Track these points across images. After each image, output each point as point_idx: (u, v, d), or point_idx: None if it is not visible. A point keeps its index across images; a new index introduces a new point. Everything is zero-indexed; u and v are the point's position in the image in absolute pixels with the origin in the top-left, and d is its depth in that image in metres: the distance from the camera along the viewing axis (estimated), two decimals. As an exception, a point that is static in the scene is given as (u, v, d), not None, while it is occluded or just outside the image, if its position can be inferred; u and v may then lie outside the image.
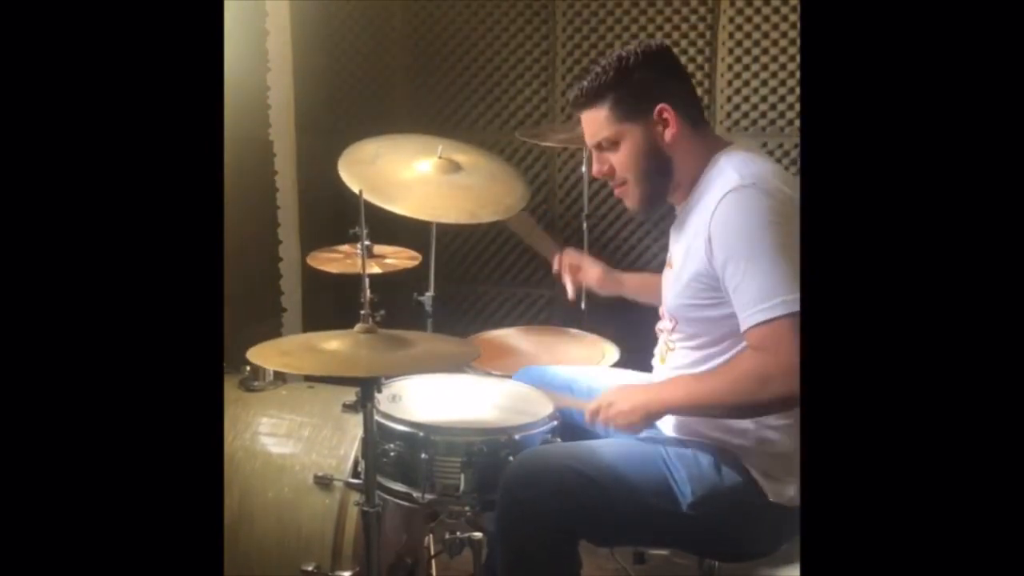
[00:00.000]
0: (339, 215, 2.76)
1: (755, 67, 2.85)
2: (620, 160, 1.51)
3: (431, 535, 2.08)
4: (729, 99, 2.87)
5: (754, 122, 2.88)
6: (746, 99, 2.87)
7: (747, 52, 2.85)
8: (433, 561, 2.07)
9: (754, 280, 1.31)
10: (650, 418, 1.46)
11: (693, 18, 2.88)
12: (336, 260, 2.11)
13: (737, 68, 2.86)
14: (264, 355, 1.45)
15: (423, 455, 1.51)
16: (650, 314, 1.70)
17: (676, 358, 1.55)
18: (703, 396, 1.41)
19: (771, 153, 2.82)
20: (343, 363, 1.44)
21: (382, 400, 1.60)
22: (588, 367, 1.98)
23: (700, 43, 2.89)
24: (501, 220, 2.00)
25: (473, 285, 3.23)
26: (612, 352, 2.14)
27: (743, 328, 1.34)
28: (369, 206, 1.69)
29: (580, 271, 1.93)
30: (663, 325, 1.58)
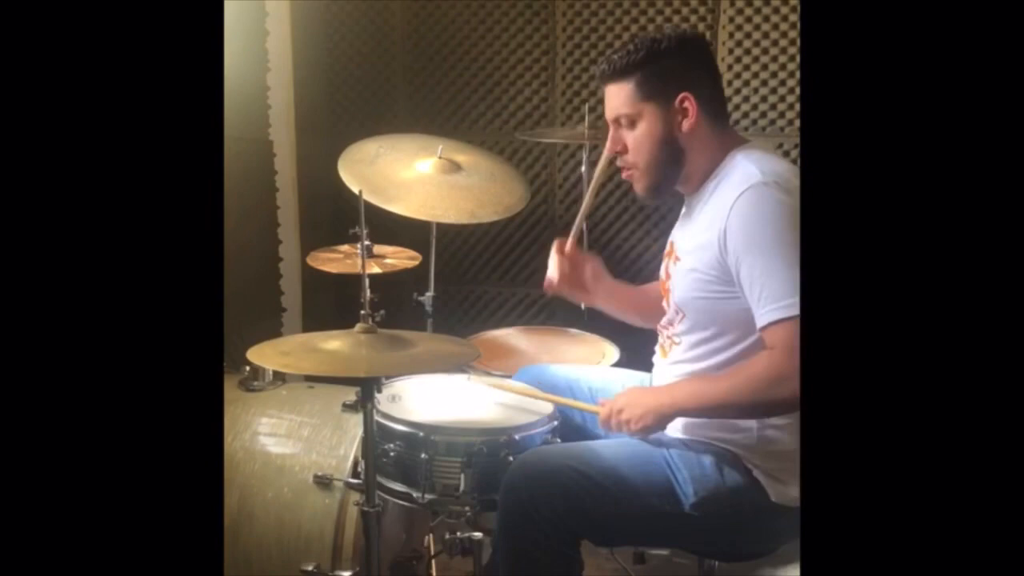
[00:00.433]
0: (339, 215, 2.78)
1: (755, 67, 2.85)
2: (635, 140, 1.51)
3: (431, 535, 2.08)
4: (729, 99, 2.87)
5: (754, 122, 2.88)
6: (746, 99, 2.87)
7: (747, 52, 2.85)
8: (433, 561, 2.07)
9: (773, 277, 1.31)
10: (662, 421, 1.46)
11: (693, 18, 2.88)
12: (336, 260, 2.11)
13: (737, 68, 2.86)
14: (264, 355, 1.45)
15: (423, 455, 1.51)
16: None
17: (679, 352, 1.54)
18: (716, 397, 1.40)
19: (771, 153, 2.82)
20: (343, 363, 1.44)
21: (382, 400, 1.60)
22: (589, 366, 1.98)
23: (700, 43, 2.89)
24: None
25: (473, 285, 3.23)
26: (612, 352, 2.14)
27: (759, 324, 1.33)
28: (369, 206, 1.69)
29: (573, 260, 1.77)
30: (668, 319, 1.57)
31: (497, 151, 3.03)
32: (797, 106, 2.82)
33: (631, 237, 3.06)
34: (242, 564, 1.77)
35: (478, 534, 1.54)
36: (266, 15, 2.89)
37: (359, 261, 1.64)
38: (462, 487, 1.51)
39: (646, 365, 1.71)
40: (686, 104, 1.46)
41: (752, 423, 1.44)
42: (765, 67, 2.84)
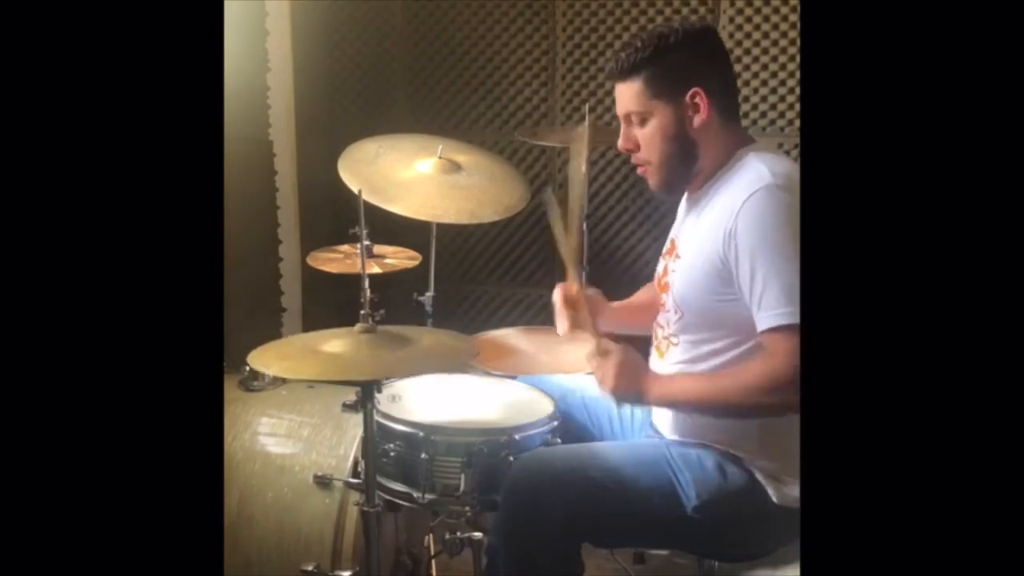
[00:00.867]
0: (339, 215, 2.77)
1: (755, 67, 2.85)
2: (646, 137, 1.48)
3: (431, 535, 2.08)
4: (729, 99, 2.87)
5: (754, 122, 2.88)
6: (746, 99, 2.87)
7: (747, 52, 2.85)
8: (433, 561, 2.07)
9: (777, 281, 1.30)
10: (639, 401, 1.45)
11: (693, 18, 2.88)
12: (336, 260, 2.11)
13: (737, 68, 2.86)
14: (264, 359, 1.45)
15: (423, 455, 1.51)
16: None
17: (677, 353, 1.53)
18: (709, 396, 1.40)
19: (771, 153, 2.82)
20: (345, 368, 1.44)
21: (382, 400, 1.60)
22: (583, 377, 1.96)
23: (700, 43, 2.89)
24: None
25: (473, 285, 3.23)
26: (612, 352, 2.13)
27: (760, 328, 1.33)
28: (369, 206, 1.69)
29: (578, 306, 1.72)
30: (666, 317, 1.56)
31: (497, 151, 3.02)
32: (797, 106, 2.82)
33: (631, 237, 3.06)
34: (242, 564, 1.77)
35: (478, 534, 1.54)
36: (266, 15, 2.89)
37: (359, 261, 1.64)
38: (462, 487, 1.51)
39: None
40: (697, 100, 1.44)
41: (753, 426, 1.43)
42: (765, 67, 2.84)
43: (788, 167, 1.41)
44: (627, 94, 1.48)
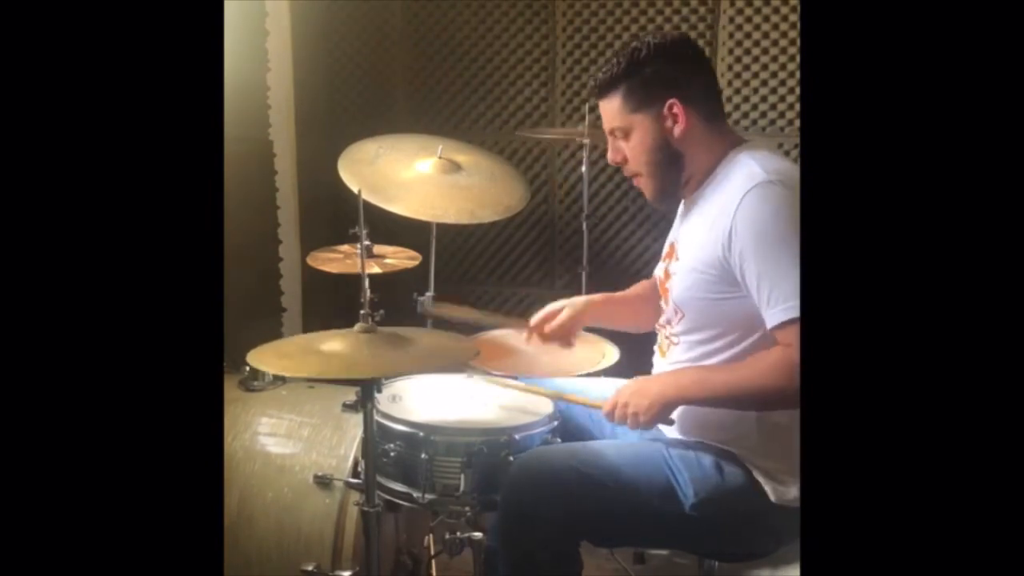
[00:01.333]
0: (339, 215, 2.77)
1: (755, 67, 2.85)
2: (632, 150, 1.51)
3: (431, 535, 2.08)
4: (729, 99, 2.87)
5: (754, 122, 2.88)
6: (746, 99, 2.87)
7: (747, 52, 2.85)
8: (433, 561, 2.07)
9: (783, 276, 1.30)
10: (667, 408, 1.44)
11: (693, 18, 2.88)
12: (336, 260, 2.11)
13: (737, 68, 2.86)
14: (264, 359, 1.45)
15: (423, 455, 1.51)
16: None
17: (678, 352, 1.54)
18: (724, 386, 1.40)
19: (771, 153, 2.82)
20: (344, 366, 1.44)
21: (382, 400, 1.60)
22: (581, 379, 1.97)
23: (700, 43, 2.89)
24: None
25: (473, 285, 3.23)
26: (612, 352, 2.12)
27: (770, 324, 1.33)
28: (369, 206, 1.69)
29: (552, 322, 1.77)
30: (667, 319, 1.57)
31: (497, 151, 3.03)
32: (797, 106, 2.82)
33: (631, 237, 3.06)
34: (242, 564, 1.77)
35: (478, 534, 1.54)
36: (266, 15, 2.89)
37: (359, 261, 1.64)
38: (462, 487, 1.51)
39: (646, 366, 1.71)
40: (675, 110, 1.46)
41: (753, 423, 1.44)
42: (765, 67, 2.84)
43: (781, 163, 1.43)
44: (608, 110, 1.52)
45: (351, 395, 1.85)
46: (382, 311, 1.89)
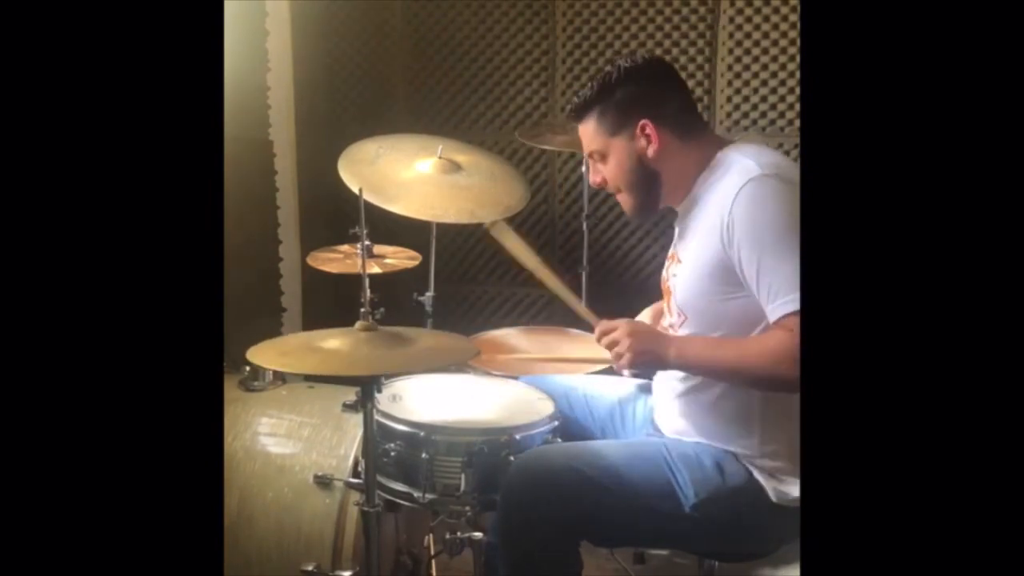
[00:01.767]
0: (339, 215, 2.78)
1: (755, 67, 2.85)
2: (610, 171, 1.55)
3: (431, 535, 2.08)
4: (729, 99, 2.88)
5: (754, 122, 2.88)
6: (746, 99, 2.87)
7: (747, 52, 2.85)
8: (433, 561, 2.07)
9: (783, 269, 1.30)
10: (654, 364, 1.46)
11: (693, 18, 2.88)
12: (336, 260, 2.11)
13: (737, 68, 2.86)
14: (264, 355, 1.45)
15: (424, 455, 1.51)
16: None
17: None
18: (726, 362, 1.39)
19: (771, 153, 2.82)
20: (344, 363, 1.44)
21: (382, 400, 1.60)
22: (581, 379, 1.97)
23: (700, 43, 2.89)
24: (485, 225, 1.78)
25: (473, 285, 3.23)
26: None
27: (774, 317, 1.33)
28: (369, 206, 1.69)
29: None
30: (669, 321, 1.57)
31: (497, 151, 3.03)
32: (797, 106, 2.82)
33: (631, 238, 3.06)
34: (242, 564, 1.77)
35: (478, 534, 1.54)
36: (266, 15, 2.89)
37: (359, 261, 1.64)
38: (463, 487, 1.51)
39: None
40: (647, 131, 1.48)
41: (753, 425, 1.44)
42: (765, 67, 2.84)
43: (775, 157, 1.43)
44: (585, 134, 1.56)
45: (351, 395, 1.85)
46: (382, 310, 1.89)
